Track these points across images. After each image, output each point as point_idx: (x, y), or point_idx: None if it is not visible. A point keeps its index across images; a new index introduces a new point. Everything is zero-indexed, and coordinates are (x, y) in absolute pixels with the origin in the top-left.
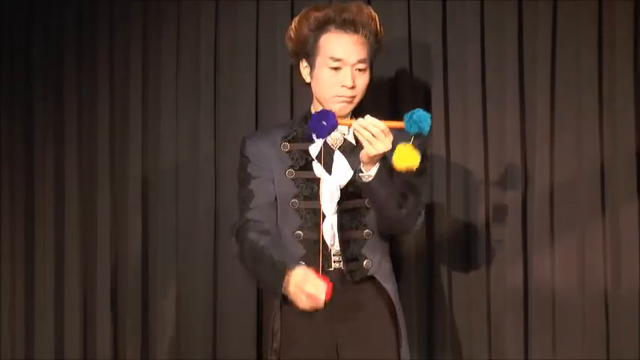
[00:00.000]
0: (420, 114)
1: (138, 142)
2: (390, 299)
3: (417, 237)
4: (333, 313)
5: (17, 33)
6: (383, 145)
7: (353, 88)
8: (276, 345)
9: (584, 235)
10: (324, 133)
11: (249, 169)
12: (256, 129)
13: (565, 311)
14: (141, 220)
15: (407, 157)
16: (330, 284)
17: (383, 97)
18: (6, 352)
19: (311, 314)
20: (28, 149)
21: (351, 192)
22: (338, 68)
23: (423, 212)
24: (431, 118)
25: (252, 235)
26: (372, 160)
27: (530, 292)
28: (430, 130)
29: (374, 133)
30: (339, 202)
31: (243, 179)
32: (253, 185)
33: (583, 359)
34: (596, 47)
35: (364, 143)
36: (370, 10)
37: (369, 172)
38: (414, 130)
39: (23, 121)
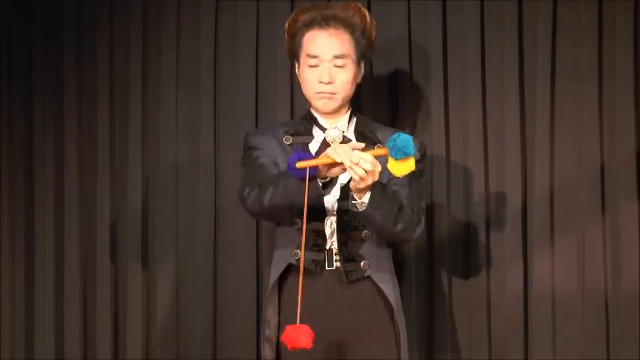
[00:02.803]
0: (402, 139)
1: (138, 141)
2: (388, 300)
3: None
4: (333, 313)
5: (17, 33)
6: (372, 177)
7: (330, 83)
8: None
9: (584, 234)
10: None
11: (256, 153)
12: (256, 128)
13: (565, 311)
14: (140, 220)
15: (402, 166)
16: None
17: (383, 97)
18: (6, 352)
19: (310, 315)
20: (28, 148)
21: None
22: (316, 65)
23: (423, 219)
24: (413, 139)
25: (265, 173)
26: (362, 190)
27: (530, 291)
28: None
29: (367, 169)
30: (338, 201)
31: (253, 159)
32: (263, 160)
33: (583, 359)
34: (596, 47)
35: (355, 178)
36: (359, 7)
37: (363, 200)
38: (400, 156)
39: (23, 120)
